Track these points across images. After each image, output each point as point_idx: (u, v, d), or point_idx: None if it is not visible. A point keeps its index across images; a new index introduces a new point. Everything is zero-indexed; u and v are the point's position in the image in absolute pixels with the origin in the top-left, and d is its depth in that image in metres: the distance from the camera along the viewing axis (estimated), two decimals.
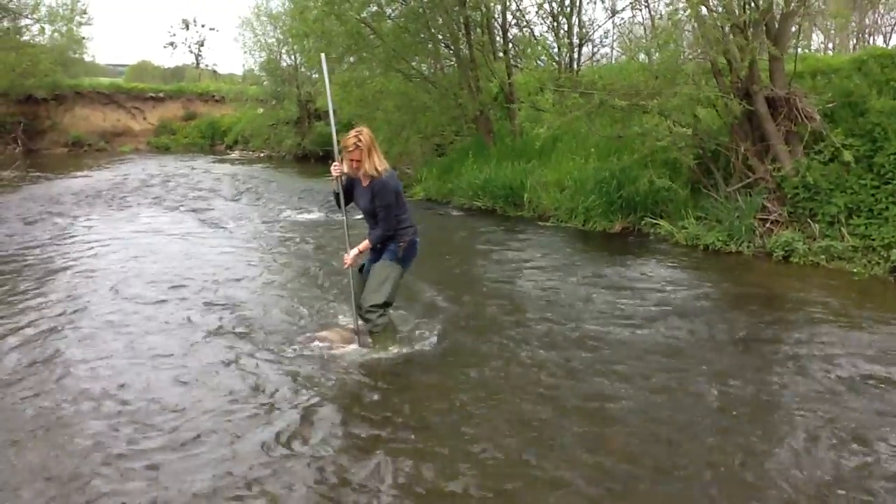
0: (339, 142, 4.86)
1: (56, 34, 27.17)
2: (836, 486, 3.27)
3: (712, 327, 5.56)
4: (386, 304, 4.91)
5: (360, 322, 5.06)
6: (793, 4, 8.07)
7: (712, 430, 3.83)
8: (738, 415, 4.01)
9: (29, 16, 25.31)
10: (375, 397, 4.30)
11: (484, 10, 13.24)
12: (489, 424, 3.90)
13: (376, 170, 4.70)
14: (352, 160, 4.70)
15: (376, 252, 4.97)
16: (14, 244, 8.83)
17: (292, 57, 24.19)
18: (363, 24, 13.20)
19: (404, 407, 4.16)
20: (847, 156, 7.56)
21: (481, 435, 3.77)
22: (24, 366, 4.71)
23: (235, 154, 26.70)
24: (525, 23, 14.42)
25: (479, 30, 13.62)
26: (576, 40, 13.43)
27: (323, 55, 5.28)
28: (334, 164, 4.83)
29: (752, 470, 3.41)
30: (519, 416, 4.01)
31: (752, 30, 7.97)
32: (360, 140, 4.64)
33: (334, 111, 5.10)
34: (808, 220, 7.84)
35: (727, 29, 8.09)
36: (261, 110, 25.25)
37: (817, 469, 3.41)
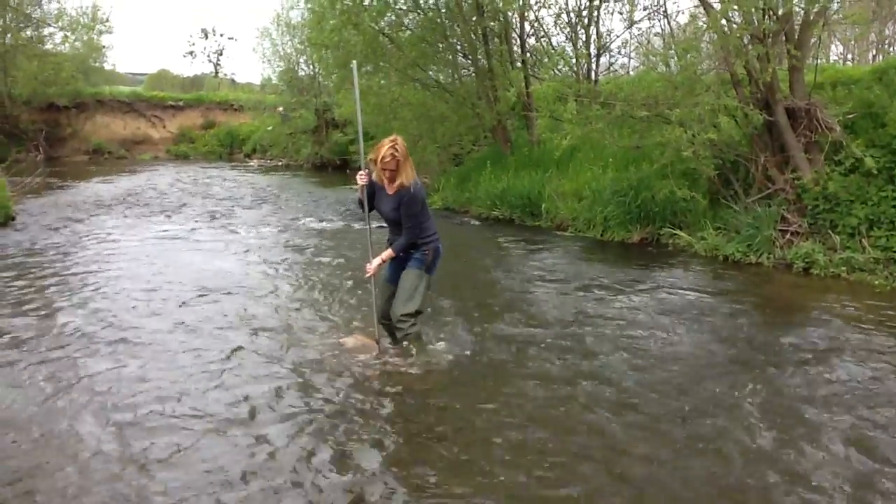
0: (366, 152, 4.89)
1: (77, 43, 27.55)
2: None
3: (733, 339, 5.54)
4: (417, 313, 4.93)
5: (383, 329, 5.11)
6: (813, 14, 8.06)
7: (730, 439, 3.83)
8: (766, 432, 3.99)
9: (52, 24, 25.72)
10: (394, 405, 4.32)
11: (502, 20, 13.30)
12: (503, 436, 3.89)
13: (407, 180, 4.70)
14: (385, 170, 4.67)
15: (399, 260, 4.97)
16: (35, 251, 8.94)
17: (310, 66, 24.36)
18: (381, 35, 13.28)
19: (421, 416, 4.18)
20: (869, 162, 7.52)
21: (495, 447, 3.76)
22: (41, 376, 4.71)
23: (254, 162, 26.92)
24: (543, 33, 14.48)
25: (496, 40, 13.67)
26: (594, 50, 13.47)
27: (354, 63, 5.25)
28: (360, 173, 4.86)
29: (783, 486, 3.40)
30: (532, 428, 4.00)
31: (771, 40, 7.96)
32: (396, 150, 4.60)
33: (353, 120, 5.14)
34: (829, 231, 7.80)
35: (746, 39, 8.09)
36: (270, 128, 25.51)
37: (844, 479, 3.40)
